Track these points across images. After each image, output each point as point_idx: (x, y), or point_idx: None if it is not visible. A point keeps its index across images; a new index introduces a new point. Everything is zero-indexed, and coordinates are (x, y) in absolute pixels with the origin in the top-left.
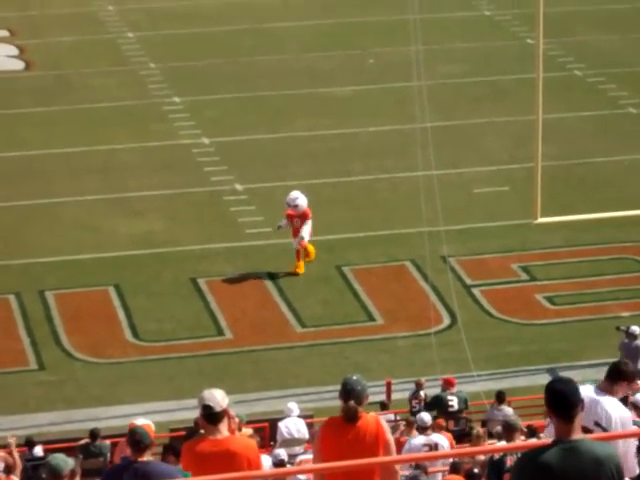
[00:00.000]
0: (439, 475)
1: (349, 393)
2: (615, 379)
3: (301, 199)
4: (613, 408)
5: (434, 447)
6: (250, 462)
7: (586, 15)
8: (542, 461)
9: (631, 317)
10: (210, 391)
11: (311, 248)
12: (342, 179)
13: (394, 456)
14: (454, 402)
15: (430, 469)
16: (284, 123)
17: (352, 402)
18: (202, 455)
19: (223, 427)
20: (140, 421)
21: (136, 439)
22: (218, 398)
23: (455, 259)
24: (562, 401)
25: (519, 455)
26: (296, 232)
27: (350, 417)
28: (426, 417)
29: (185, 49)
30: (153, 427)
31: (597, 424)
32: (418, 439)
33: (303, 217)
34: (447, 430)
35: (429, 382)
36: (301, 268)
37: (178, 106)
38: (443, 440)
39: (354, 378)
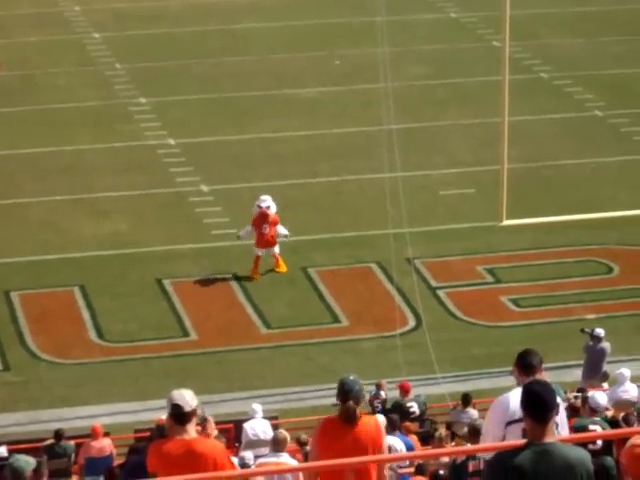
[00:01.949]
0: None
1: (347, 393)
2: (530, 372)
3: (272, 203)
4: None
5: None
6: (216, 463)
7: (552, 18)
8: (514, 463)
9: (597, 319)
10: (179, 391)
11: (283, 265)
12: (308, 180)
13: (367, 457)
14: (414, 408)
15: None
16: (250, 124)
17: (351, 402)
18: (169, 455)
19: (191, 428)
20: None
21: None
22: (187, 398)
23: (420, 261)
24: (538, 403)
25: (488, 457)
26: (261, 239)
27: (350, 418)
28: (381, 418)
29: (151, 50)
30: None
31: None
32: None
33: (272, 223)
34: (414, 433)
35: (393, 385)
36: (275, 267)
37: (144, 107)
38: (397, 443)
39: (351, 378)
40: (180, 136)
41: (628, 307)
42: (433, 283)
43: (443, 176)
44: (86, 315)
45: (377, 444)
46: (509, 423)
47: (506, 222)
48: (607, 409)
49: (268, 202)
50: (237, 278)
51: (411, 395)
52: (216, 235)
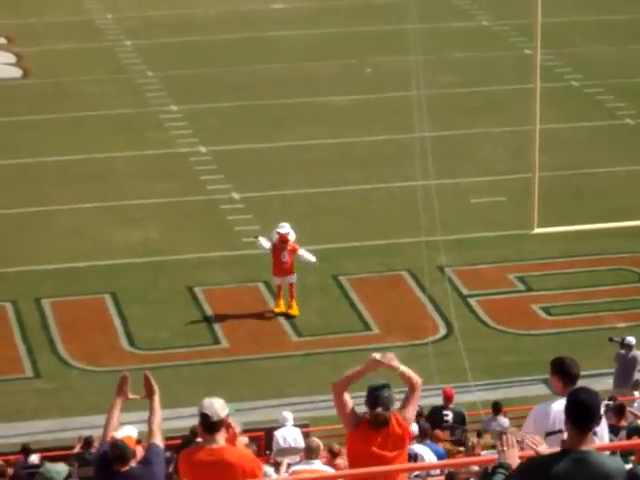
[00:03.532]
0: None
1: (376, 400)
2: (574, 381)
3: (290, 230)
4: None
5: (413, 458)
6: (245, 472)
7: (584, 26)
8: (551, 470)
9: (627, 328)
10: (210, 400)
11: (295, 308)
12: (339, 188)
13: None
14: (449, 417)
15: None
16: (281, 132)
17: (380, 409)
18: (198, 464)
19: (220, 437)
20: (122, 432)
21: (117, 454)
22: (216, 407)
23: (452, 269)
24: (583, 412)
25: (524, 461)
26: (279, 267)
27: (380, 424)
28: (413, 428)
29: (183, 57)
30: (135, 435)
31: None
32: None
33: (290, 251)
34: (444, 441)
35: (425, 392)
36: (287, 307)
37: (175, 114)
38: (425, 452)
39: (380, 384)
40: (211, 144)
41: None
42: (464, 291)
43: (474, 184)
44: (117, 322)
45: (406, 436)
46: (549, 434)
47: (537, 230)
48: (637, 417)
49: (287, 228)
50: (268, 286)
51: (453, 403)
52: (247, 243)
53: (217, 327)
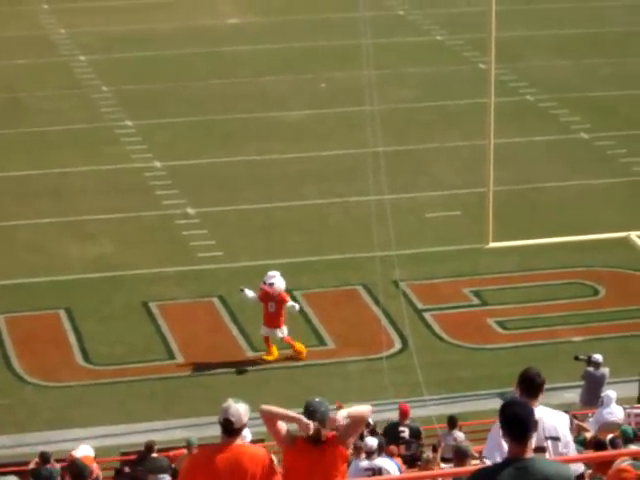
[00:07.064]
0: None
1: (311, 414)
2: (537, 393)
3: (278, 279)
4: (554, 418)
5: (377, 472)
6: (264, 467)
7: (538, 40)
8: (496, 478)
9: (583, 342)
10: (236, 406)
11: (301, 347)
12: (294, 203)
13: None
14: (405, 433)
15: None
16: (236, 147)
17: (316, 424)
18: (215, 463)
19: (238, 439)
20: (80, 451)
21: (75, 472)
22: (241, 413)
23: (407, 283)
24: (517, 425)
25: (471, 474)
26: (268, 318)
27: (315, 440)
28: (370, 441)
29: (137, 73)
30: (93, 454)
31: (550, 438)
32: (362, 463)
33: (278, 301)
34: (398, 456)
35: (380, 407)
36: (272, 354)
37: (130, 129)
38: (389, 465)
39: (317, 400)
40: (166, 159)
41: (614, 329)
42: (419, 305)
43: (429, 198)
44: (72, 338)
45: (339, 456)
46: None
47: (492, 244)
48: (585, 430)
49: (272, 279)
50: (223, 301)
51: (408, 418)
52: (202, 258)
53: (172, 342)
